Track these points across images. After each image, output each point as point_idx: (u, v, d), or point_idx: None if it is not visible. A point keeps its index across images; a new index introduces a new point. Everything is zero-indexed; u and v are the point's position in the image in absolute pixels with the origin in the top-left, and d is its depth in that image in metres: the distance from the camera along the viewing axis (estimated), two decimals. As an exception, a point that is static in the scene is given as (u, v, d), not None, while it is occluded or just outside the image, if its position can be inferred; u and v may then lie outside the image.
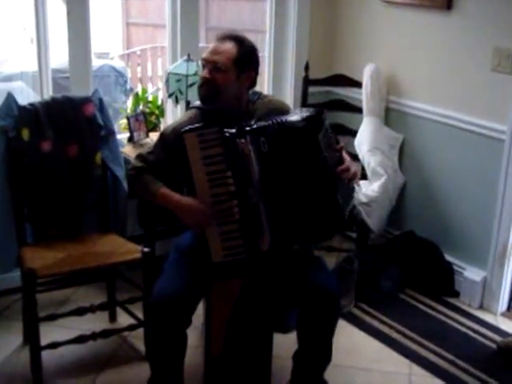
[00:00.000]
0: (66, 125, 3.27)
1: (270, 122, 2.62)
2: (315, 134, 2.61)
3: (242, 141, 2.56)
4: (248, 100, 2.83)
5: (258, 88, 2.94)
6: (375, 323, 3.66)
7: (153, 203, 2.82)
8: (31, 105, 3.21)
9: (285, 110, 2.86)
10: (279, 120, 2.64)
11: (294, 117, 2.68)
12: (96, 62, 5.90)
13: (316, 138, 2.60)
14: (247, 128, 2.59)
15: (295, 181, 2.63)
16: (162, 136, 2.87)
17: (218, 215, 2.61)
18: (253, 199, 2.58)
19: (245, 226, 2.61)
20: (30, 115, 3.18)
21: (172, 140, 2.78)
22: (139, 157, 2.87)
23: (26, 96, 4.89)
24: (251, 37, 2.88)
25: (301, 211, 2.65)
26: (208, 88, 2.72)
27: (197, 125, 2.63)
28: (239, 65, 2.73)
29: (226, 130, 2.57)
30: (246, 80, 2.78)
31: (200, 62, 3.15)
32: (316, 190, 2.65)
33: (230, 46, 2.72)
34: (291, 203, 2.63)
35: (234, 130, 2.57)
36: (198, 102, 2.88)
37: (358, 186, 2.82)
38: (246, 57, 2.75)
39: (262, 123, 2.62)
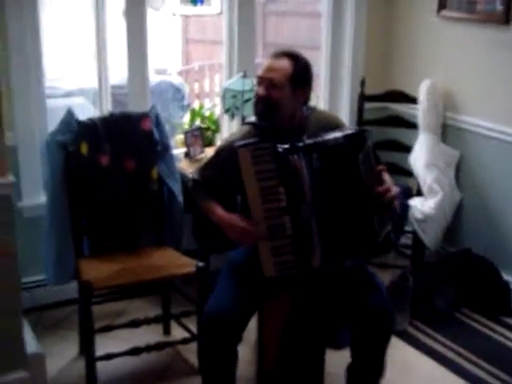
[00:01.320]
0: (123, 140, 3.34)
1: (322, 138, 2.63)
2: (355, 152, 2.58)
3: (295, 157, 2.57)
4: (302, 116, 2.85)
5: (313, 104, 2.95)
6: (430, 342, 3.61)
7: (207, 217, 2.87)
8: (90, 120, 3.29)
9: (338, 125, 2.87)
10: (326, 137, 2.63)
11: (338, 134, 2.66)
12: (154, 78, 5.99)
13: (356, 157, 2.57)
14: (300, 144, 2.60)
15: (341, 198, 2.62)
16: (217, 151, 2.93)
17: (271, 230, 2.62)
18: (305, 215, 2.59)
19: (296, 241, 2.61)
20: (89, 130, 3.26)
21: (226, 155, 2.82)
22: (197, 169, 2.97)
23: (87, 112, 5.00)
24: (308, 53, 2.90)
25: (346, 228, 2.63)
26: (264, 105, 2.75)
27: (250, 140, 2.65)
28: (294, 81, 2.75)
29: (278, 145, 2.58)
30: (300, 96, 2.80)
31: (255, 79, 3.18)
32: (353, 209, 2.63)
33: (285, 63, 2.74)
34: (339, 220, 2.62)
35: (286, 146, 2.58)
36: (252, 118, 2.91)
37: (396, 209, 2.78)
38: (300, 73, 2.77)
39: (314, 139, 2.62)
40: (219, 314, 2.62)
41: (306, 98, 2.85)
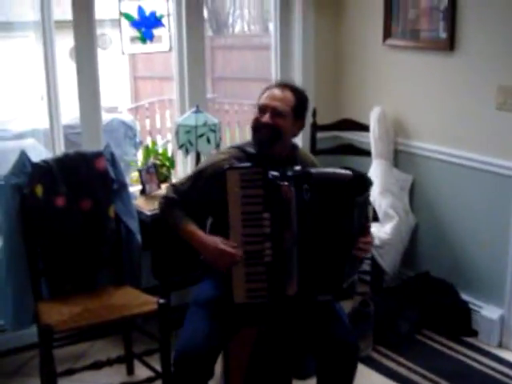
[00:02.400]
0: (79, 180, 3.30)
1: (316, 170, 2.68)
2: (355, 194, 2.63)
3: (286, 183, 2.60)
4: (292, 146, 2.91)
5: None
6: (394, 366, 3.63)
7: (168, 251, 2.86)
8: (44, 161, 3.25)
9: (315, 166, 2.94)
10: (326, 170, 2.70)
11: (343, 171, 2.71)
12: (105, 117, 5.96)
13: (353, 199, 2.62)
14: (290, 173, 2.63)
15: (326, 232, 2.65)
16: (199, 169, 2.92)
17: (248, 256, 2.63)
18: (287, 244, 2.60)
19: (273, 269, 2.62)
20: (44, 172, 3.22)
21: (209, 174, 2.84)
22: (172, 186, 2.94)
23: (39, 153, 4.91)
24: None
25: (326, 263, 2.66)
26: (269, 132, 2.79)
27: (242, 164, 2.69)
28: (296, 112, 2.84)
29: (270, 172, 2.61)
30: (297, 127, 2.88)
31: (207, 114, 3.18)
32: (333, 247, 2.66)
33: (289, 94, 2.83)
34: (322, 253, 2.64)
35: (277, 173, 2.62)
36: (237, 143, 2.97)
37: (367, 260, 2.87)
38: (301, 105, 2.87)
39: (307, 170, 2.68)
40: (191, 351, 2.60)
41: (301, 128, 2.93)
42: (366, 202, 2.72)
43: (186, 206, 2.85)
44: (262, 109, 2.84)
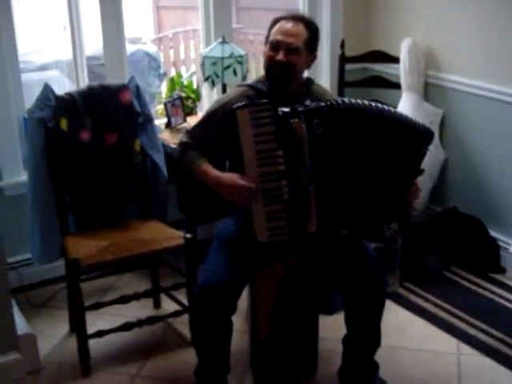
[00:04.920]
0: (103, 113, 3.26)
1: (325, 102, 2.57)
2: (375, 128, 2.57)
3: (296, 120, 2.51)
4: (302, 82, 2.83)
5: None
6: (421, 302, 3.62)
7: (195, 184, 2.82)
8: (69, 94, 3.21)
9: None
10: (336, 100, 2.59)
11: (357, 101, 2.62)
12: (129, 48, 5.88)
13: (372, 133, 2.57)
14: (301, 108, 2.54)
15: (347, 167, 2.58)
16: (210, 112, 2.85)
17: (266, 194, 2.57)
18: (303, 180, 2.54)
19: (292, 206, 2.57)
20: (68, 105, 3.18)
21: (220, 115, 2.77)
22: (186, 132, 2.88)
23: (62, 85, 4.90)
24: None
25: (354, 198, 2.61)
26: (283, 70, 2.71)
27: (251, 102, 2.62)
28: (309, 46, 2.75)
29: (279, 108, 2.53)
30: (310, 60, 2.81)
31: (234, 45, 3.11)
32: (357, 183, 2.61)
33: (301, 28, 2.72)
34: (343, 188, 2.59)
35: (287, 109, 2.53)
36: (249, 81, 2.87)
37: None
38: (314, 38, 2.77)
39: (317, 104, 2.56)
40: (213, 285, 2.59)
41: (314, 61, 2.85)
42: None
43: (202, 150, 2.78)
44: (275, 45, 2.72)
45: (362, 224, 2.68)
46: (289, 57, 2.69)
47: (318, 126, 2.52)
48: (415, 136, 2.62)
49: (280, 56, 2.70)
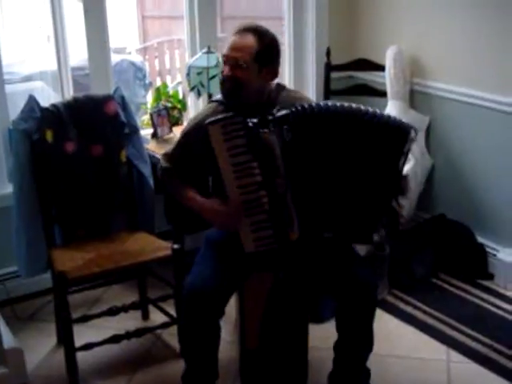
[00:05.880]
0: (89, 124, 3.25)
1: (293, 108, 2.56)
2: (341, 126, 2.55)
3: (266, 130, 2.52)
4: (270, 91, 2.80)
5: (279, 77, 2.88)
6: (409, 309, 3.61)
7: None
8: (54, 106, 3.19)
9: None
10: (303, 106, 2.57)
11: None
12: (114, 58, 5.87)
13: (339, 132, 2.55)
14: (269, 117, 2.54)
15: (322, 170, 2.58)
16: (184, 133, 2.86)
17: (247, 205, 2.58)
18: (280, 189, 2.55)
19: (274, 216, 2.57)
20: (53, 116, 3.16)
21: (195, 133, 2.77)
22: (165, 156, 2.88)
23: (47, 96, 4.86)
24: (268, 24, 2.82)
25: (334, 201, 2.60)
26: (230, 85, 2.69)
27: (220, 116, 2.59)
28: (260, 60, 2.68)
29: (248, 120, 2.53)
30: (267, 74, 2.74)
31: (219, 54, 3.12)
32: (332, 184, 2.60)
33: (250, 41, 2.67)
34: (321, 192, 2.59)
35: (256, 120, 2.53)
36: (218, 96, 2.85)
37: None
38: (266, 50, 2.70)
39: (284, 111, 2.56)
40: (200, 288, 2.59)
41: (274, 74, 2.78)
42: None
43: (182, 172, 2.80)
44: (224, 60, 2.72)
45: (346, 226, 2.66)
46: (234, 71, 2.67)
47: (287, 132, 2.52)
48: (389, 133, 2.60)
49: (226, 71, 2.69)
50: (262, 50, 2.67)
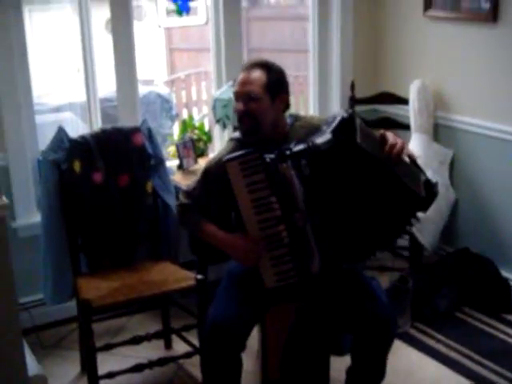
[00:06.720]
0: (116, 155, 3.31)
1: (310, 143, 2.56)
2: (353, 140, 2.50)
3: (284, 165, 2.54)
4: (285, 124, 2.82)
5: (303, 110, 2.91)
6: (432, 343, 3.59)
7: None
8: (82, 137, 3.26)
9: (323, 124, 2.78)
10: (315, 141, 2.57)
11: (324, 136, 2.56)
12: (141, 89, 5.97)
13: (355, 144, 2.49)
14: (287, 152, 2.56)
15: (342, 200, 2.58)
16: (205, 170, 2.88)
17: (267, 240, 2.61)
18: (299, 223, 2.57)
19: (294, 249, 2.60)
20: (82, 147, 3.23)
21: (215, 172, 2.80)
22: (184, 193, 2.90)
23: (76, 127, 4.96)
24: (294, 57, 2.86)
25: (352, 228, 2.60)
26: (248, 121, 2.72)
27: (237, 153, 2.63)
28: (271, 90, 2.71)
29: (266, 155, 2.56)
30: (280, 104, 2.77)
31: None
32: (376, 196, 2.58)
33: (258, 74, 2.71)
34: (340, 224, 2.59)
35: (273, 156, 2.56)
36: (236, 134, 2.88)
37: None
38: (276, 81, 2.74)
39: (301, 146, 2.57)
40: (222, 322, 2.60)
41: (286, 105, 2.81)
42: (364, 131, 2.55)
43: (203, 209, 2.82)
44: (236, 97, 2.76)
45: (363, 254, 2.68)
46: (248, 105, 2.70)
47: (305, 167, 2.53)
48: (339, 143, 2.54)
49: (239, 106, 2.72)
50: (271, 80, 2.71)
